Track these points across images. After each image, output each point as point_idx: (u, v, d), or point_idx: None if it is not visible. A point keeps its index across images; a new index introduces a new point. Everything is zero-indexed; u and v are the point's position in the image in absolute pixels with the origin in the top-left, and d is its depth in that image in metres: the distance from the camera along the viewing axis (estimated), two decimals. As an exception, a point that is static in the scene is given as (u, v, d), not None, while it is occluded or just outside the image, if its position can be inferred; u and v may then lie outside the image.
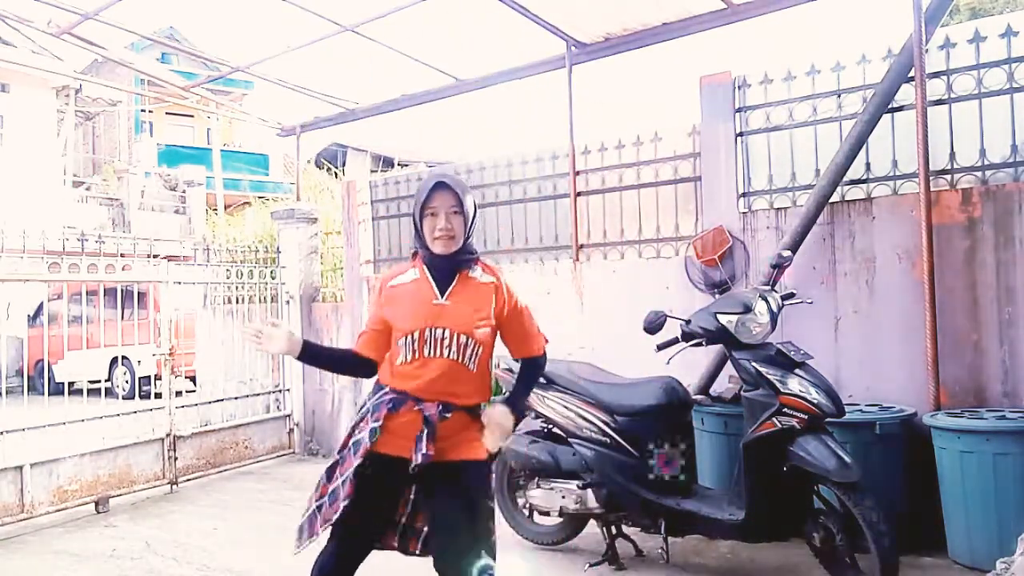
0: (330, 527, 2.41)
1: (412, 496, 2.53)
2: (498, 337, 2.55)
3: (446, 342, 2.40)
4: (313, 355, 2.63)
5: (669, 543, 3.51)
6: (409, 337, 2.41)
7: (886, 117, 4.14)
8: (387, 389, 2.47)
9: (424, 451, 2.35)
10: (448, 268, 2.47)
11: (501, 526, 3.61)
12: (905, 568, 3.11)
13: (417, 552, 2.57)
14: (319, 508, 2.47)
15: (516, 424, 2.51)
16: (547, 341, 2.65)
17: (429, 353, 2.40)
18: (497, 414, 2.42)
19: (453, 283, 2.47)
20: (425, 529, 2.53)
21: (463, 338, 2.41)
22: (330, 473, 2.51)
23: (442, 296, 2.45)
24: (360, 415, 2.52)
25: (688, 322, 3.46)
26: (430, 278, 2.48)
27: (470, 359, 2.43)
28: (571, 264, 5.36)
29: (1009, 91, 3.87)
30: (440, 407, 2.40)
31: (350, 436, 2.50)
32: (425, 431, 2.37)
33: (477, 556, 2.33)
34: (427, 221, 2.44)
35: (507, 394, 2.67)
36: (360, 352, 2.56)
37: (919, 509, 3.66)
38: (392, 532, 2.57)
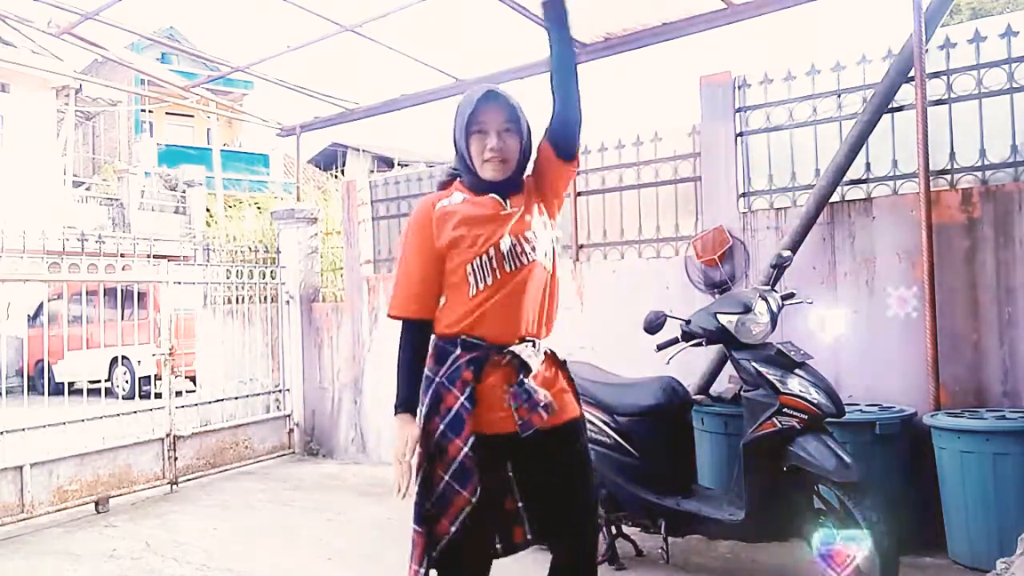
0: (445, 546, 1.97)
1: (511, 475, 2.08)
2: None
3: (525, 248, 2.00)
4: (416, 392, 2.08)
5: (669, 543, 3.51)
6: (483, 257, 1.98)
7: (886, 117, 4.14)
8: (456, 351, 2.01)
9: (543, 402, 1.97)
10: (500, 192, 2.08)
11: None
12: (905, 568, 3.10)
13: (528, 538, 2.15)
14: (427, 534, 1.99)
15: None
16: None
17: (511, 267, 1.99)
18: None
19: (510, 196, 2.08)
20: (521, 507, 2.10)
21: (544, 241, 2.05)
22: (426, 491, 2.00)
23: (507, 204, 2.06)
24: (432, 398, 2.02)
25: (688, 322, 3.46)
26: (482, 188, 2.08)
27: (550, 268, 2.07)
28: (571, 264, 5.36)
29: (1009, 91, 3.87)
30: (531, 345, 2.02)
31: (430, 433, 1.99)
32: (524, 381, 1.97)
33: (590, 530, 2.12)
34: (475, 140, 2.03)
35: None
36: (425, 318, 2.06)
37: (919, 509, 3.66)
38: (517, 526, 2.13)
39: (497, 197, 2.06)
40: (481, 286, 1.99)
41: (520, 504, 2.10)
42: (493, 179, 2.04)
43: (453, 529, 1.95)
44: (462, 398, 1.97)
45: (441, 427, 1.98)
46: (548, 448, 2.03)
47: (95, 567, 4.02)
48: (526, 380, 1.99)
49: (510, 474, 2.08)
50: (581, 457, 2.12)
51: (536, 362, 2.04)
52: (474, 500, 1.93)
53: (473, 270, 1.99)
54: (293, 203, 7.70)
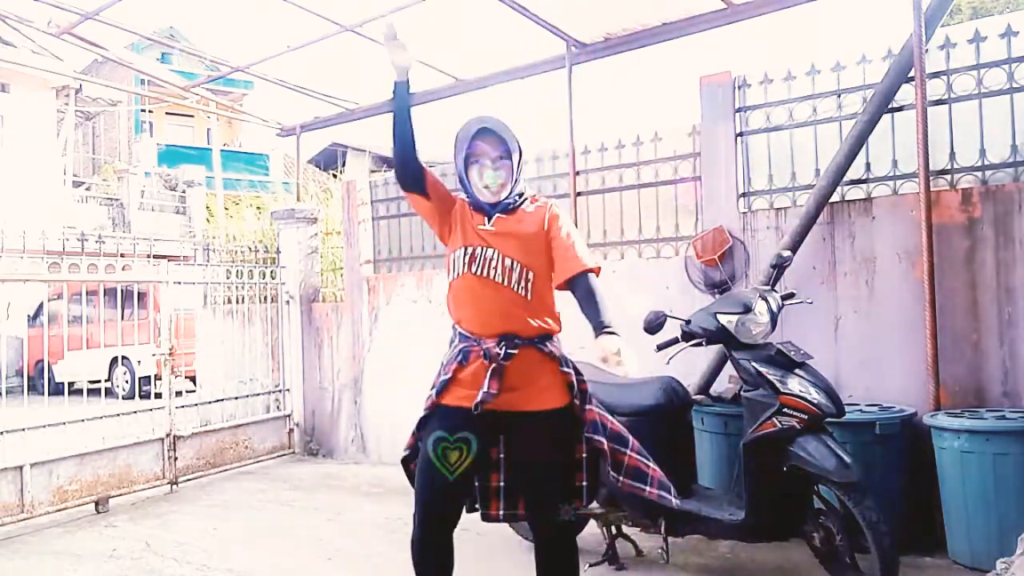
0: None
1: (501, 456, 2.50)
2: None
3: (493, 263, 2.37)
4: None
5: (669, 543, 3.51)
6: (460, 251, 2.41)
7: (886, 117, 4.14)
8: (456, 339, 2.45)
9: (486, 389, 2.28)
10: (497, 207, 2.46)
11: (503, 526, 3.63)
12: (905, 568, 3.11)
13: (501, 515, 2.58)
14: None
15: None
16: (598, 270, 2.45)
17: (477, 271, 2.37)
18: (604, 346, 2.27)
19: (499, 216, 2.46)
20: (503, 486, 2.53)
21: (509, 262, 2.36)
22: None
23: (488, 222, 2.44)
24: (439, 369, 2.50)
25: (688, 322, 3.46)
26: (480, 206, 2.48)
27: (520, 285, 2.37)
28: (571, 264, 5.35)
29: (1009, 91, 3.87)
30: (502, 343, 2.33)
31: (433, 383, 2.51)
32: (489, 370, 2.31)
33: (558, 507, 2.40)
34: (472, 170, 2.41)
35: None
36: (418, 169, 2.49)
37: (919, 509, 3.67)
38: (495, 500, 2.57)
39: (483, 214, 2.46)
40: (455, 275, 2.44)
41: (503, 483, 2.53)
42: (490, 202, 2.43)
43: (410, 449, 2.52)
44: (444, 377, 2.44)
45: (435, 383, 2.48)
46: (529, 432, 2.37)
47: (95, 567, 4.02)
48: (488, 371, 2.31)
49: (501, 455, 2.50)
50: (555, 443, 2.41)
51: (503, 357, 2.34)
52: (407, 452, 2.52)
53: (453, 260, 2.45)
54: (293, 203, 7.70)
